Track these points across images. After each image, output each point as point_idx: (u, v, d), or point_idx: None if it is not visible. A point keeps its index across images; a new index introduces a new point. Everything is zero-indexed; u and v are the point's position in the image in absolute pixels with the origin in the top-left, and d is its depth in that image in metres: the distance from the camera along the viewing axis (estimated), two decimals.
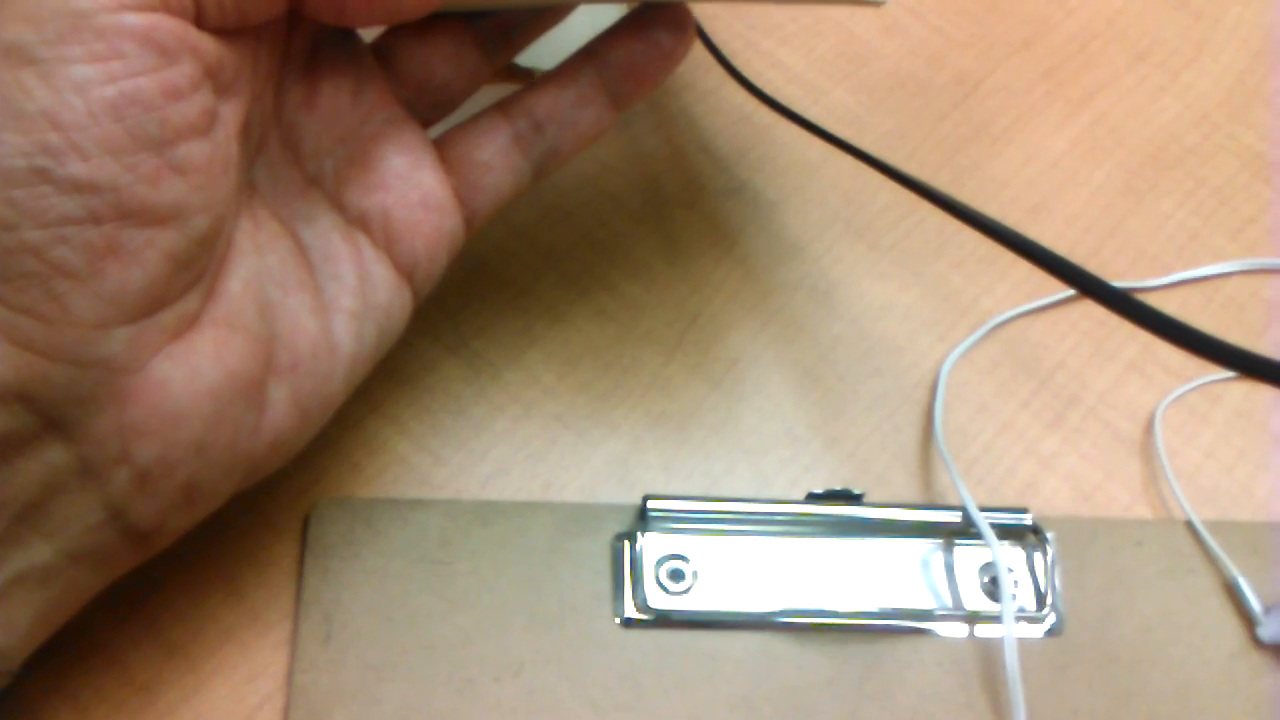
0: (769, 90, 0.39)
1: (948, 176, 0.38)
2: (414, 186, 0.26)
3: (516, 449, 0.31)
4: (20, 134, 0.19)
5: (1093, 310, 0.36)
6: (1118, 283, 0.36)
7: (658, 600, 0.29)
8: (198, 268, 0.22)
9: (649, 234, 0.36)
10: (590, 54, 0.29)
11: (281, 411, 0.24)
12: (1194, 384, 0.35)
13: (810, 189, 0.37)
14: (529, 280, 0.34)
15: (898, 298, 0.35)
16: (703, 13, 0.39)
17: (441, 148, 0.28)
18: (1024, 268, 0.36)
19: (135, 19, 0.20)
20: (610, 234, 0.35)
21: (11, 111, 0.19)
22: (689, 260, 0.35)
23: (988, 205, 0.38)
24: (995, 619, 0.30)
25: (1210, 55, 0.42)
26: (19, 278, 0.20)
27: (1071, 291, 0.36)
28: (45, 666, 0.25)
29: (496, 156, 0.28)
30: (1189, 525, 0.32)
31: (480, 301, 0.33)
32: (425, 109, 0.28)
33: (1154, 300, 0.36)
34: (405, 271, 0.27)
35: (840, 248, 0.36)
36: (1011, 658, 0.28)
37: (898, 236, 0.37)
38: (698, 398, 0.33)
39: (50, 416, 0.21)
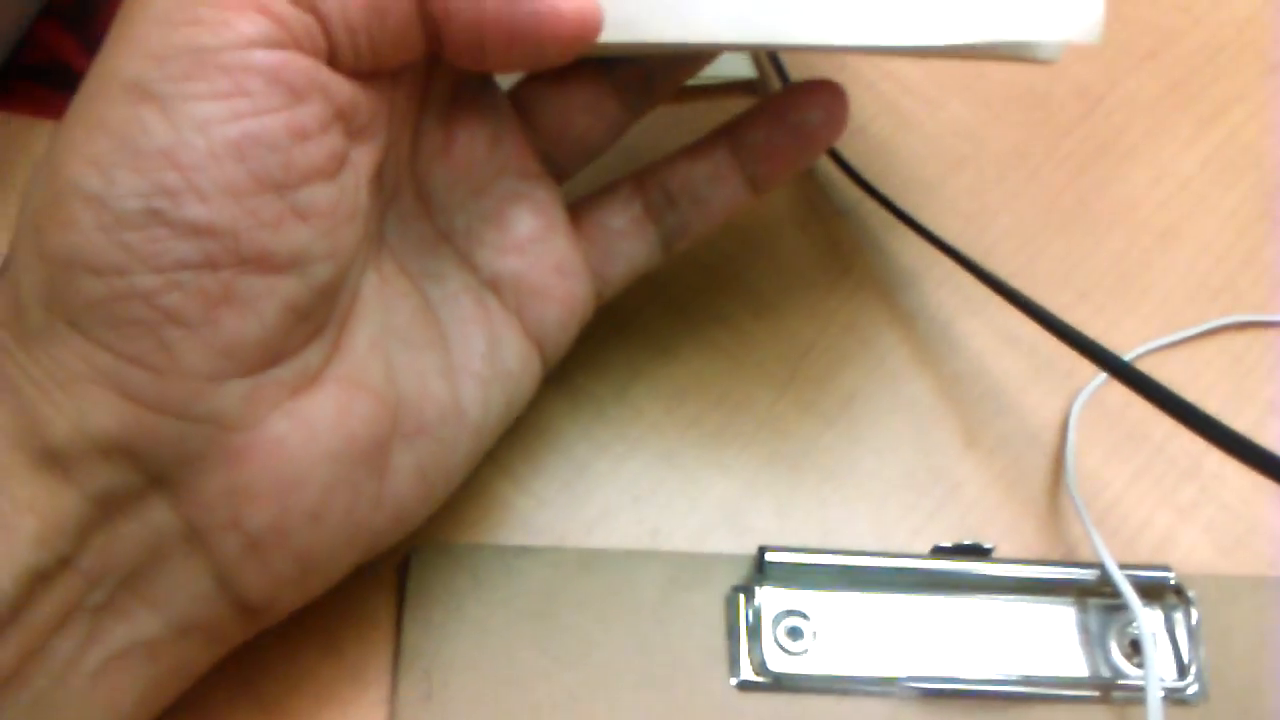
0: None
1: (1072, 198, 0.36)
2: (549, 251, 0.25)
3: (622, 490, 0.30)
4: (137, 173, 0.18)
5: (1230, 345, 0.34)
6: (1251, 317, 0.34)
7: (776, 661, 0.27)
8: (318, 319, 0.21)
9: (759, 258, 0.34)
10: (728, 131, 0.27)
11: (405, 480, 0.23)
12: None
13: (927, 210, 0.35)
14: (633, 309, 0.32)
15: (1021, 330, 0.33)
16: None
17: (574, 213, 0.26)
18: (1156, 299, 0.34)
19: (264, 56, 0.19)
20: (718, 258, 0.33)
21: (129, 150, 0.18)
22: (802, 287, 0.33)
23: (1117, 228, 0.35)
24: (1135, 688, 0.28)
25: None
26: (128, 325, 0.18)
27: (1208, 325, 0.34)
28: None
29: (630, 225, 0.27)
30: None
31: (583, 332, 0.31)
32: (562, 160, 0.26)
33: None
34: (535, 339, 0.25)
35: (959, 275, 0.34)
36: None
37: (1021, 263, 0.34)
38: (812, 437, 0.31)
39: (156, 475, 0.20)
